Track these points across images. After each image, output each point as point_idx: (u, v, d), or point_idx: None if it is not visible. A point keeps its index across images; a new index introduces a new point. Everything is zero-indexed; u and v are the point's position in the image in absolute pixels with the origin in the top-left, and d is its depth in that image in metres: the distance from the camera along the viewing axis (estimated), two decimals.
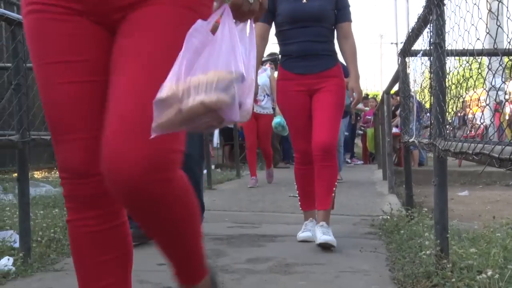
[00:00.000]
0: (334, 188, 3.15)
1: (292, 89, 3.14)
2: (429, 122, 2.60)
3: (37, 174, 8.06)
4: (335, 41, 3.25)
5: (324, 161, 3.03)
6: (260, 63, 3.27)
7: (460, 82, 2.01)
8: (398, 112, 7.39)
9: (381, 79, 38.48)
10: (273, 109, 6.79)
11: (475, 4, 1.57)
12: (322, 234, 2.95)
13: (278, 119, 6.31)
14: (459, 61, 2.26)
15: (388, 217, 3.70)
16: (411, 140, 3.35)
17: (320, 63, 3.11)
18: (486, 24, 1.50)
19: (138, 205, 1.15)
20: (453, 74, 2.23)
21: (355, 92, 3.13)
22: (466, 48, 1.78)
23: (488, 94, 1.98)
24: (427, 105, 2.96)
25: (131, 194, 1.11)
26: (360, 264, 2.65)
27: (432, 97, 2.41)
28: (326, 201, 3.08)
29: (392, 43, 22.05)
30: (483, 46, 1.60)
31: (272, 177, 6.97)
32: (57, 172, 6.16)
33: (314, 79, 3.10)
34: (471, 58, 1.91)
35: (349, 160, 11.06)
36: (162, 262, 2.70)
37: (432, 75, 2.40)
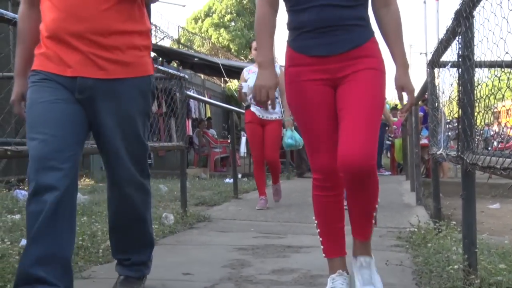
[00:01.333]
0: (374, 214, 2.27)
1: (307, 78, 2.15)
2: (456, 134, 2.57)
3: None
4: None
5: (359, 184, 2.10)
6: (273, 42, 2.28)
7: (488, 95, 1.99)
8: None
9: None
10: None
11: (504, 17, 1.55)
12: (363, 285, 2.20)
13: (289, 133, 5.45)
14: (493, 71, 2.22)
15: (416, 229, 3.66)
16: (439, 152, 3.32)
17: (347, 38, 2.10)
18: None
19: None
20: (481, 86, 2.20)
21: (405, 90, 2.14)
22: (495, 60, 1.77)
23: None
24: (456, 117, 2.92)
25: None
26: (386, 277, 2.62)
27: (460, 110, 2.38)
28: (365, 231, 2.25)
29: (421, 53, 21.81)
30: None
31: (280, 195, 5.88)
32: (86, 180, 6.25)
33: (339, 62, 2.11)
34: (500, 70, 1.89)
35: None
36: (188, 271, 2.73)
37: (460, 87, 2.37)
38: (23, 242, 3.00)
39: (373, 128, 2.07)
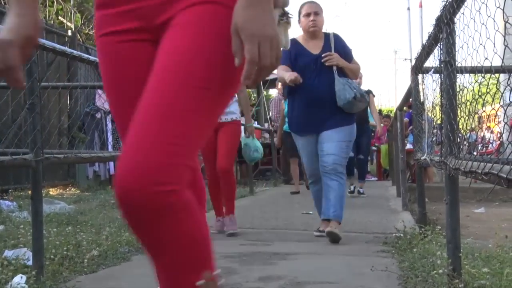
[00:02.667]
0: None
1: (110, 30, 1.28)
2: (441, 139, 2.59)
3: (52, 191, 8.13)
4: None
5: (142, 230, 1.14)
6: None
7: (470, 101, 2.01)
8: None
9: (396, 94, 38.46)
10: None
11: (482, 23, 1.57)
12: None
13: (252, 144, 4.73)
14: (475, 77, 2.24)
15: (401, 234, 3.67)
16: (423, 157, 3.34)
17: None
18: (494, 44, 1.50)
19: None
20: (464, 92, 2.22)
21: (242, 35, 1.06)
22: (475, 66, 1.79)
23: (497, 111, 1.97)
24: (439, 122, 2.94)
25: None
26: (371, 282, 2.63)
27: (443, 115, 2.40)
28: None
29: (406, 59, 21.97)
30: (491, 64, 1.60)
31: (236, 225, 4.36)
32: (72, 189, 6.23)
33: None
34: (480, 75, 1.91)
35: (356, 189, 7.93)
36: None
37: (443, 93, 2.40)
38: (6, 253, 2.96)
39: (178, 116, 1.09)
